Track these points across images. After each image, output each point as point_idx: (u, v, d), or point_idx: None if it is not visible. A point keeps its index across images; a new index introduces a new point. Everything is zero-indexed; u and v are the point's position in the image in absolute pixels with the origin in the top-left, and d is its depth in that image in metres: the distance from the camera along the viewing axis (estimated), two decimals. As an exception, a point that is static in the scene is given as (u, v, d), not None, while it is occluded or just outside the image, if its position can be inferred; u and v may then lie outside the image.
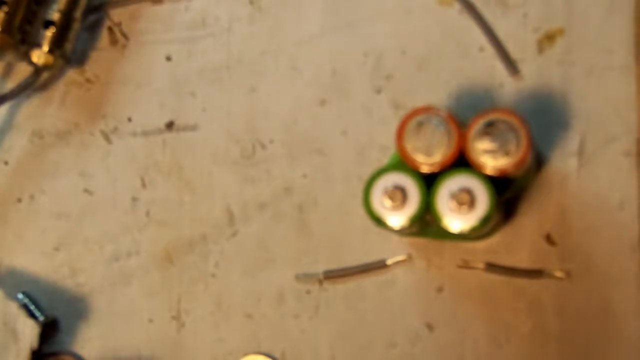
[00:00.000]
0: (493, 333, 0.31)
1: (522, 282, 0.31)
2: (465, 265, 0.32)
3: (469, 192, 0.27)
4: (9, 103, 0.37)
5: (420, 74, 0.34)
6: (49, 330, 0.36)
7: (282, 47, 0.35)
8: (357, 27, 0.35)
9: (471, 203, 0.27)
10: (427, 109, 0.28)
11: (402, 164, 0.28)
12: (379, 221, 0.28)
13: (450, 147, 0.27)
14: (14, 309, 0.35)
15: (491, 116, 0.27)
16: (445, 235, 0.28)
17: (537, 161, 0.31)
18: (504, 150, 0.27)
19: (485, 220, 0.27)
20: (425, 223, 0.28)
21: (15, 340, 0.34)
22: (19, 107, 0.37)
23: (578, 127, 0.32)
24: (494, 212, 0.27)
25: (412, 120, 0.28)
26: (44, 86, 0.37)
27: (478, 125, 0.27)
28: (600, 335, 0.31)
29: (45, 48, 0.35)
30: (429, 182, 0.28)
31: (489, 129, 0.27)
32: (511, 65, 0.33)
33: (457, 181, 0.27)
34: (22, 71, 0.37)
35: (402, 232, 0.28)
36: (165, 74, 0.36)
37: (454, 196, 0.27)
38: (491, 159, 0.27)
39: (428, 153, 0.27)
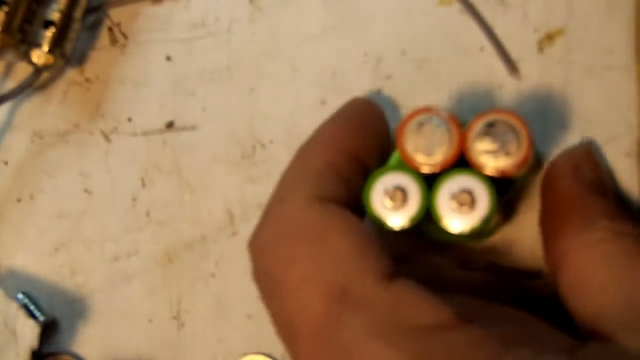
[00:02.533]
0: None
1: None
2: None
3: (469, 192, 0.27)
4: (9, 103, 0.37)
5: (420, 74, 0.34)
6: (49, 330, 0.36)
7: (282, 47, 0.35)
8: (357, 27, 0.35)
9: (472, 203, 0.27)
10: (427, 109, 0.28)
11: (403, 164, 0.28)
12: (379, 221, 0.28)
13: (451, 148, 0.27)
14: (14, 309, 0.35)
15: (491, 117, 0.27)
16: (446, 235, 0.28)
17: (537, 161, 0.31)
18: (504, 151, 0.27)
19: (486, 221, 0.27)
20: (426, 223, 0.28)
21: (15, 340, 0.34)
22: (19, 107, 0.37)
23: (578, 127, 0.32)
24: (494, 212, 0.27)
25: (412, 120, 0.28)
26: (44, 86, 0.37)
27: (478, 125, 0.27)
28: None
29: (45, 48, 0.35)
30: (429, 182, 0.28)
31: (489, 130, 0.27)
32: (511, 65, 0.33)
33: (458, 182, 0.27)
34: (22, 71, 0.37)
35: (403, 232, 0.28)
36: (165, 73, 0.36)
37: (455, 197, 0.27)
38: (492, 159, 0.27)
39: (429, 153, 0.27)
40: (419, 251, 0.31)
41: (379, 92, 0.34)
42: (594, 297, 0.25)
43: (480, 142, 0.27)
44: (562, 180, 0.28)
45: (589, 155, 0.29)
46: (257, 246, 0.28)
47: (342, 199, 0.27)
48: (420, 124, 0.27)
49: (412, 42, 0.34)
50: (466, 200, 0.27)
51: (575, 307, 0.26)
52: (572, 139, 0.32)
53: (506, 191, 0.29)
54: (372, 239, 0.26)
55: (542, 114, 0.32)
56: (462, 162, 0.27)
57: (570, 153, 0.30)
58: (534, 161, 0.30)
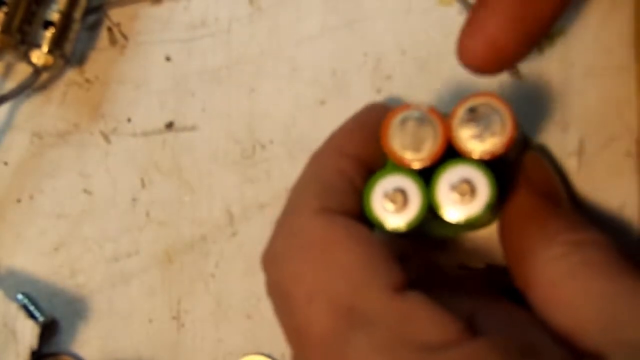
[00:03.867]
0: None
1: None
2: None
3: (468, 182, 0.27)
4: (9, 103, 0.37)
5: (420, 74, 0.34)
6: (49, 330, 0.36)
7: (282, 47, 0.35)
8: (357, 27, 0.35)
9: (472, 192, 0.27)
10: (406, 106, 0.27)
11: (396, 165, 0.28)
12: (381, 226, 0.28)
13: (437, 139, 0.27)
14: (13, 309, 0.35)
15: (472, 101, 0.27)
16: (451, 228, 0.28)
17: (524, 141, 0.31)
18: (490, 132, 0.26)
19: (489, 207, 0.26)
20: (429, 220, 0.28)
21: (15, 341, 0.34)
22: (19, 107, 0.37)
23: (578, 127, 0.32)
24: (496, 197, 0.27)
25: (393, 119, 0.27)
26: (44, 86, 0.37)
27: (460, 112, 0.27)
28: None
29: (45, 48, 0.35)
30: (425, 178, 0.27)
31: (471, 115, 0.27)
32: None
33: (455, 173, 0.27)
34: (22, 71, 0.37)
35: (405, 233, 0.28)
36: (165, 74, 0.36)
37: (455, 188, 0.27)
38: (479, 143, 0.27)
39: (416, 149, 0.27)
40: (420, 252, 0.31)
41: (379, 92, 0.34)
42: (563, 314, 0.25)
43: (465, 129, 0.27)
44: (515, 196, 0.28)
45: (537, 164, 0.29)
46: (268, 259, 0.28)
47: (351, 209, 0.27)
48: (403, 122, 0.27)
49: (412, 42, 0.34)
50: (466, 189, 0.27)
51: (549, 324, 0.26)
52: (572, 138, 0.32)
53: (500, 174, 0.28)
54: (381, 249, 0.26)
55: (542, 114, 0.32)
56: (451, 151, 0.27)
57: (520, 165, 0.29)
58: (521, 140, 0.30)
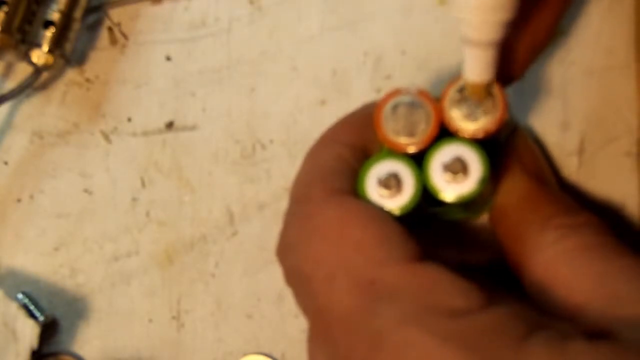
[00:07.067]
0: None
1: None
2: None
3: (459, 159, 0.27)
4: (9, 103, 0.37)
5: (420, 74, 0.34)
6: (49, 330, 0.36)
7: (282, 47, 0.35)
8: (357, 27, 0.35)
9: (465, 169, 0.27)
10: (396, 92, 0.27)
11: (390, 151, 0.28)
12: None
13: (430, 121, 0.27)
14: (13, 309, 0.35)
15: (460, 82, 0.27)
16: (456, 212, 0.28)
17: (512, 121, 0.31)
18: (481, 111, 0.27)
19: (483, 181, 0.26)
20: (434, 206, 0.28)
21: (15, 340, 0.34)
22: (19, 107, 0.37)
23: (578, 127, 0.32)
24: (488, 171, 0.27)
25: (385, 106, 0.27)
26: (44, 86, 0.37)
27: (450, 93, 0.27)
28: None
29: (45, 48, 0.35)
30: (418, 162, 0.27)
31: (461, 95, 0.27)
32: (511, 65, 0.33)
33: (446, 152, 0.27)
34: (22, 71, 0.37)
35: (406, 219, 0.28)
36: (165, 74, 0.36)
37: (447, 167, 0.27)
38: (471, 122, 0.27)
39: (410, 133, 0.27)
40: (427, 245, 0.31)
41: (379, 92, 0.34)
42: (562, 295, 0.25)
43: (457, 109, 0.27)
44: (508, 178, 0.29)
45: (527, 146, 0.30)
46: (283, 250, 0.28)
47: (354, 190, 0.28)
48: (394, 107, 0.27)
49: (412, 42, 0.34)
50: (458, 167, 0.27)
51: (548, 304, 0.26)
52: (572, 138, 0.32)
53: (491, 156, 0.28)
54: (393, 224, 0.26)
55: (542, 114, 0.32)
56: (445, 133, 0.27)
57: (510, 147, 0.30)
58: (511, 122, 0.30)
